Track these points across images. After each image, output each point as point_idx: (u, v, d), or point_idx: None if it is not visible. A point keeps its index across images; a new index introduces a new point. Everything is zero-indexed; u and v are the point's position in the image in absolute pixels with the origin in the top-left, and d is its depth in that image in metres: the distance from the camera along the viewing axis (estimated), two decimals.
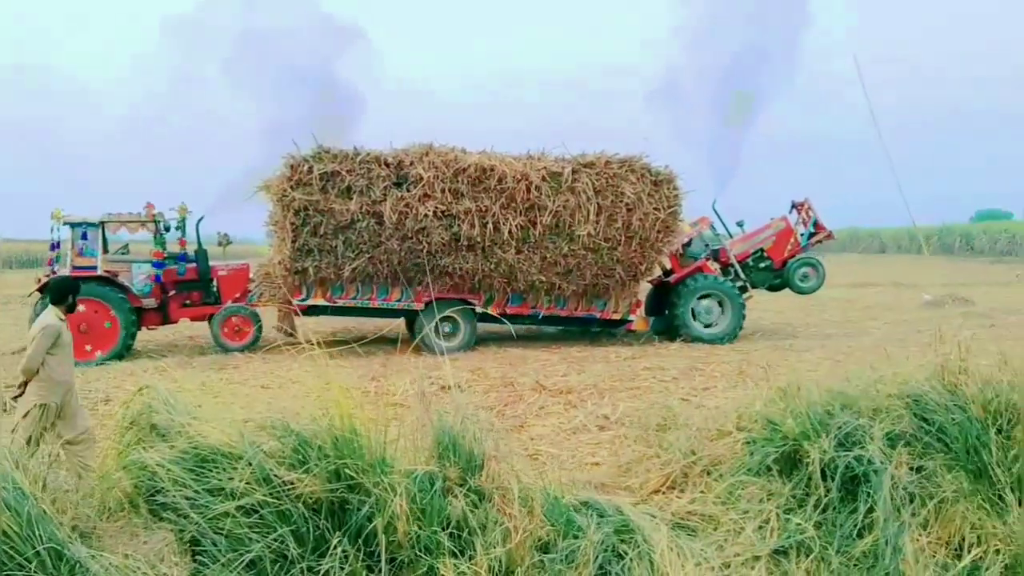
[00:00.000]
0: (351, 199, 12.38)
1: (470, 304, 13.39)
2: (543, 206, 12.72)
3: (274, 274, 13.15)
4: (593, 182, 12.94)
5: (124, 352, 13.40)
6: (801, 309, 15.79)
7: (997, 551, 3.51)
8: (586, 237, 12.95)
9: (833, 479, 3.48)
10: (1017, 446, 3.64)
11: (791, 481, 3.55)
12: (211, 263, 14.79)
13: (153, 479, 2.98)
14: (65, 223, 13.34)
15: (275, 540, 2.74)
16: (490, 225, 12.66)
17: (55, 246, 13.64)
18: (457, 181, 12.61)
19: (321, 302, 13.32)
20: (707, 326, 14.29)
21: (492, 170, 12.66)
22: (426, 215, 12.45)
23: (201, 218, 14.73)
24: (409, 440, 3.42)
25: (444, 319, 13.40)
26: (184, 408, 3.22)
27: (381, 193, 12.34)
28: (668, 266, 15.03)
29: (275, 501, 2.77)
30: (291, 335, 14.05)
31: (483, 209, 12.62)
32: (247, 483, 2.78)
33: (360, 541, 2.80)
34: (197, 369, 12.29)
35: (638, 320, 14.56)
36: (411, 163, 12.66)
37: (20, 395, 5.23)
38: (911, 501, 3.54)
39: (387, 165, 12.55)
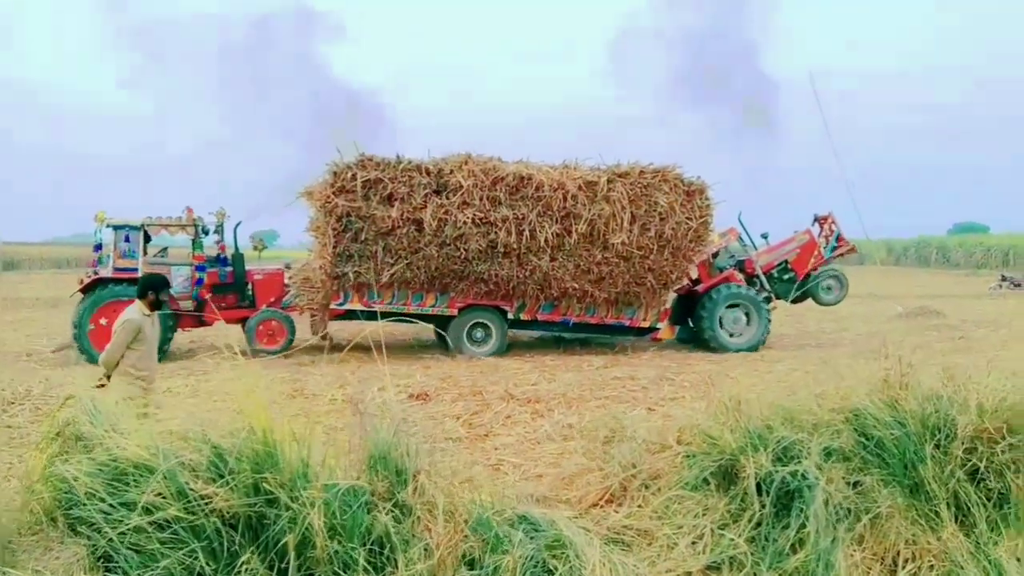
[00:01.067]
0: (392, 206, 12.54)
1: (503, 311, 13.62)
2: (578, 215, 12.89)
3: (314, 279, 13.23)
4: (628, 191, 13.10)
5: (161, 352, 14.15)
6: (778, 320, 15.90)
7: (931, 566, 3.51)
8: (620, 245, 13.11)
9: (768, 494, 3.47)
10: (953, 461, 3.65)
11: (727, 496, 3.53)
12: (247, 267, 14.90)
13: (71, 492, 2.92)
14: (108, 225, 13.50)
15: (187, 555, 2.69)
16: (526, 233, 12.82)
17: (98, 247, 13.88)
18: (495, 189, 12.77)
19: (358, 307, 13.33)
20: (732, 335, 14.49)
21: (530, 179, 12.85)
22: (465, 222, 12.61)
23: (239, 223, 14.85)
24: (342, 452, 3.38)
25: (476, 325, 13.72)
26: (107, 418, 3.16)
27: (422, 200, 12.52)
28: (696, 275, 15.17)
29: (188, 516, 2.71)
30: (324, 338, 14.47)
31: (520, 217, 12.79)
32: (161, 496, 2.72)
33: (275, 557, 2.75)
34: (163, 374, 12.22)
35: (665, 329, 14.77)
36: (451, 171, 12.83)
37: (102, 386, 5.21)
38: (846, 516, 3.53)
39: (428, 173, 12.71)
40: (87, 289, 13.15)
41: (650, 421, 4.59)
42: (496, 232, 12.77)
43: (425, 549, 2.85)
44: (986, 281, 28.69)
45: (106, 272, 13.37)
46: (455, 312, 13.58)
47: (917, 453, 3.71)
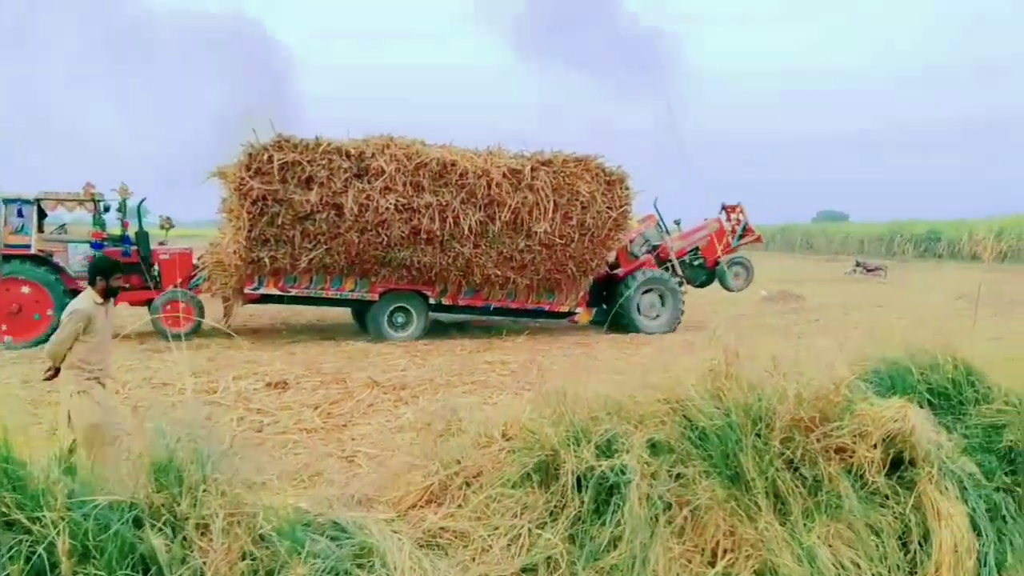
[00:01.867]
0: (311, 190, 12.11)
1: (424, 295, 13.50)
2: (502, 202, 12.82)
3: (227, 262, 12.65)
4: (551, 180, 13.12)
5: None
6: None
7: (748, 556, 3.52)
8: (542, 234, 13.14)
9: (588, 490, 3.38)
10: (771, 451, 3.67)
11: (548, 492, 3.41)
12: (152, 247, 14.19)
13: None
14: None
15: None
16: (450, 220, 12.64)
17: None
18: (418, 175, 12.50)
19: (274, 291, 13.04)
20: (649, 318, 14.90)
21: (454, 165, 12.65)
22: (387, 208, 12.29)
23: (143, 200, 14.13)
24: (121, 463, 3.04)
25: (397, 310, 13.55)
26: None
27: (342, 185, 12.12)
28: (614, 260, 15.49)
29: None
30: (226, 323, 14.10)
31: (443, 204, 12.59)
32: None
33: None
34: None
35: (582, 312, 15.03)
36: (372, 155, 12.43)
37: (51, 378, 5.12)
38: (667, 509, 3.49)
39: (348, 156, 12.29)
40: None
41: (486, 412, 4.43)
42: (419, 219, 12.54)
43: (200, 569, 2.56)
44: (843, 266, 30.51)
45: None
46: (375, 297, 13.37)
47: (739, 443, 3.71)
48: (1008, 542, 3.89)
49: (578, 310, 14.78)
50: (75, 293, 12.65)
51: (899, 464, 3.85)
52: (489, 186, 12.81)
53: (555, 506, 3.35)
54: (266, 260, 12.52)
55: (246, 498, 3.00)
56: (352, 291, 13.35)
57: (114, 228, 14.27)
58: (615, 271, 15.50)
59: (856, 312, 17.82)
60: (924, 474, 3.69)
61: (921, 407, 4.55)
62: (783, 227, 48.99)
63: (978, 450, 4.31)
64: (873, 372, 4.75)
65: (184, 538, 2.58)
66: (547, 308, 14.49)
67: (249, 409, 9.32)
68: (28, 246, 12.74)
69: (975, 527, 3.80)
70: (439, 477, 3.56)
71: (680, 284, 15.50)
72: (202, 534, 2.59)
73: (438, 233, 12.75)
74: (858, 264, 28.66)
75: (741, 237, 16.41)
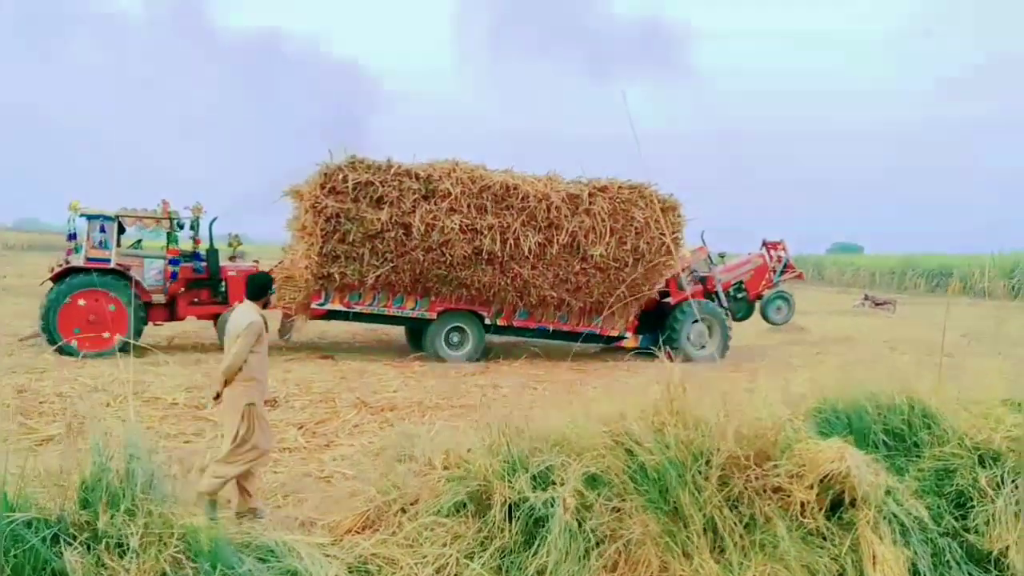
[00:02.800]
0: (382, 209, 12.55)
1: (480, 316, 13.76)
2: (560, 226, 13.25)
3: (297, 277, 13.06)
4: (607, 206, 13.54)
5: (131, 343, 13.84)
6: None
7: None
8: (598, 257, 13.50)
9: (518, 521, 3.40)
10: (710, 488, 3.68)
11: (480, 522, 3.44)
12: (221, 263, 14.73)
13: None
14: (82, 215, 13.23)
15: None
16: (510, 241, 13.04)
17: (72, 236, 13.58)
18: (482, 197, 12.97)
19: (339, 307, 13.36)
20: (698, 347, 15.06)
21: (516, 189, 13.10)
22: (452, 228, 12.72)
23: (215, 219, 14.64)
24: (53, 478, 3.09)
25: (453, 329, 13.83)
26: None
27: (411, 205, 12.58)
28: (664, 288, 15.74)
29: None
30: (283, 338, 14.73)
31: (505, 226, 13.02)
32: None
33: None
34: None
35: (631, 338, 15.12)
36: (439, 178, 12.90)
37: (218, 397, 5.06)
38: (601, 542, 3.50)
39: (417, 178, 12.76)
40: (58, 278, 12.87)
41: (440, 439, 4.45)
42: (481, 239, 12.93)
43: None
44: (853, 299, 30.28)
45: (78, 261, 13.07)
46: (434, 316, 13.70)
47: (678, 479, 3.72)
48: None
49: (627, 334, 15.01)
50: (148, 306, 13.77)
51: (840, 505, 3.84)
52: (549, 209, 13.26)
53: (485, 536, 3.37)
54: (336, 276, 12.88)
55: (178, 519, 3.05)
56: (412, 309, 13.71)
57: (185, 244, 14.76)
58: (665, 299, 15.74)
59: (861, 346, 17.64)
60: (862, 516, 3.68)
61: (877, 448, 4.55)
62: (795, 257, 48.62)
63: (929, 493, 4.29)
64: (832, 411, 4.76)
65: (98, 556, 2.63)
66: (598, 331, 14.68)
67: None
68: (109, 260, 13.25)
69: (916, 572, 3.78)
70: (376, 503, 3.59)
71: (727, 315, 15.80)
72: (119, 554, 2.64)
73: (499, 254, 13.11)
74: (866, 297, 28.41)
75: (782, 273, 16.95)
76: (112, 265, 13.40)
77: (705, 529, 3.68)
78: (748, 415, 3.90)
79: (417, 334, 14.70)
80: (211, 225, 14.77)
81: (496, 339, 15.42)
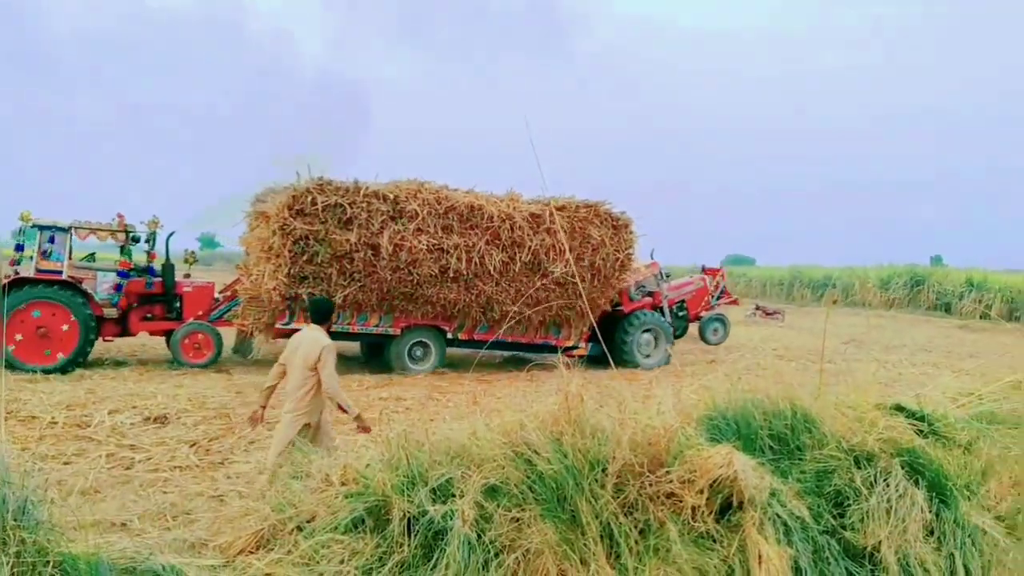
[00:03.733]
0: (351, 230, 12.86)
1: (442, 330, 14.22)
2: (523, 244, 13.85)
3: (264, 298, 13.08)
4: (566, 224, 14.27)
5: (80, 359, 13.08)
6: None
7: None
8: (558, 273, 14.14)
9: (418, 534, 3.39)
10: (607, 495, 3.77)
11: (379, 537, 3.41)
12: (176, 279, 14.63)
13: None
14: (33, 226, 13.07)
15: None
16: (475, 260, 13.57)
17: (20, 247, 13.36)
18: (448, 218, 13.45)
19: (303, 326, 13.25)
20: (644, 356, 16.25)
21: (480, 209, 13.62)
22: (419, 248, 13.16)
23: (172, 233, 14.58)
24: None
25: (416, 344, 14.24)
26: None
27: (379, 226, 12.94)
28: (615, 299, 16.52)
29: None
30: (245, 356, 14.87)
31: (470, 245, 13.52)
32: None
33: None
34: None
35: (583, 347, 15.81)
36: (406, 199, 13.28)
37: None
38: (500, 552, 3.53)
39: (385, 199, 13.13)
40: (5, 289, 12.57)
41: (341, 455, 4.39)
42: (448, 258, 13.37)
43: None
44: (745, 309, 31.67)
45: (27, 272, 12.88)
46: (398, 332, 13.98)
47: (576, 487, 3.79)
48: None
49: (581, 344, 15.55)
50: (100, 320, 13.44)
51: (729, 508, 4.00)
52: (512, 229, 13.78)
53: (384, 552, 3.34)
54: (304, 296, 12.90)
55: (54, 546, 2.88)
56: (376, 326, 13.88)
57: (138, 258, 14.72)
58: (617, 307, 16.55)
59: (749, 354, 18.46)
60: (749, 518, 3.85)
61: (763, 452, 4.78)
62: (689, 269, 50.51)
63: (810, 493, 4.53)
64: (722, 417, 4.95)
65: None
66: (554, 343, 15.13)
67: (121, 445, 8.97)
68: (60, 272, 13.01)
69: (798, 569, 3.98)
70: (271, 522, 3.50)
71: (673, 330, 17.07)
72: None
73: (464, 272, 13.52)
74: (757, 308, 29.73)
75: (719, 297, 18.32)
76: (64, 277, 13.07)
77: (602, 536, 3.77)
78: (642, 423, 4.02)
79: (376, 349, 14.93)
80: (167, 240, 14.56)
81: (457, 352, 15.54)
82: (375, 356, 15.07)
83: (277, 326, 13.41)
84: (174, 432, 9.68)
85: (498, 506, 3.65)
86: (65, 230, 13.33)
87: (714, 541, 3.87)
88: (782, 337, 20.59)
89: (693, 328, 18.82)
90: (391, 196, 13.19)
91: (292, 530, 3.47)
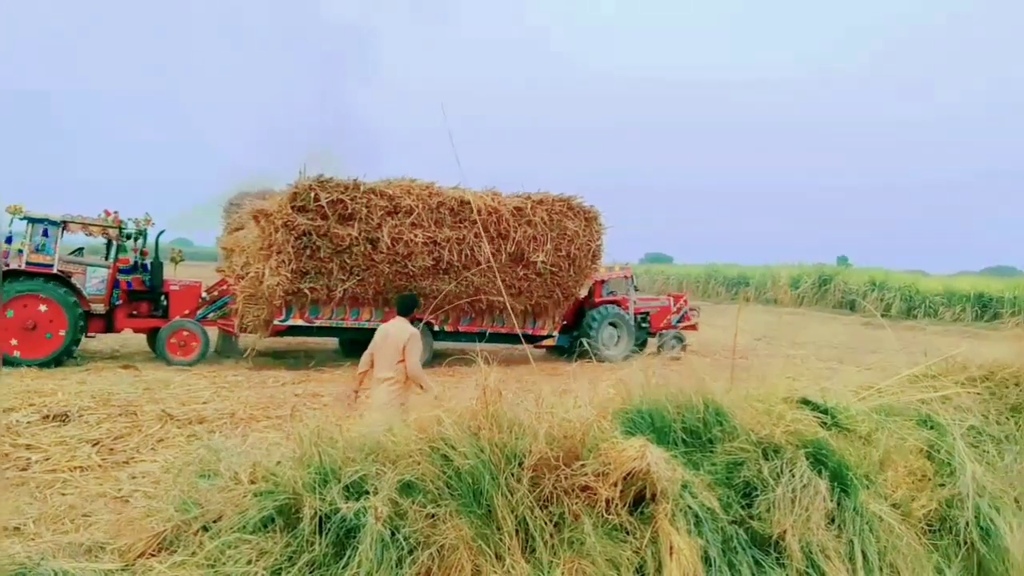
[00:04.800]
0: (351, 225, 13.43)
1: (430, 324, 14.74)
2: (508, 236, 14.69)
3: (267, 295, 13.40)
4: (545, 217, 15.20)
5: (67, 354, 13.29)
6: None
7: None
8: (539, 263, 15.11)
9: (329, 533, 3.31)
10: (522, 489, 3.77)
11: (289, 536, 3.31)
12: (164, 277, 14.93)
13: None
14: (23, 218, 13.13)
15: None
16: (466, 251, 14.33)
17: (9, 240, 13.57)
18: (440, 212, 14.21)
19: (300, 322, 13.97)
20: (607, 348, 17.13)
21: (469, 203, 14.35)
22: (415, 242, 13.84)
23: (162, 231, 14.81)
24: None
25: None
26: None
27: (378, 221, 13.58)
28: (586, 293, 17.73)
29: None
30: (229, 355, 15.14)
31: (461, 238, 14.32)
32: None
33: None
34: None
35: (554, 336, 16.86)
36: (401, 195, 13.96)
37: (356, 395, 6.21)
38: (414, 550, 3.48)
39: (383, 195, 13.81)
40: None
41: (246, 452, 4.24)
42: (440, 251, 14.10)
43: None
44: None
45: (17, 265, 12.93)
46: None
47: (492, 481, 3.78)
48: (737, 571, 4.20)
49: (554, 334, 16.49)
50: (88, 315, 13.47)
51: (642, 500, 4.07)
52: (499, 222, 14.59)
53: (294, 551, 3.25)
54: (306, 291, 13.47)
55: None
56: (368, 320, 14.28)
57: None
58: (587, 300, 17.78)
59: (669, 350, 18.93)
60: (661, 510, 3.92)
61: (676, 445, 4.88)
62: (609, 266, 51.39)
63: (721, 485, 4.65)
64: (636, 411, 5.04)
65: None
66: (531, 332, 15.93)
67: (16, 445, 8.52)
68: (51, 265, 13.14)
69: (708, 559, 4.08)
70: (174, 523, 3.36)
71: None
72: None
73: (455, 264, 14.26)
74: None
75: (680, 320, 19.61)
76: (55, 271, 13.18)
77: (517, 530, 3.77)
78: (559, 417, 4.04)
79: (356, 344, 15.21)
80: (158, 237, 14.83)
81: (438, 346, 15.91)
82: (355, 351, 15.37)
83: (275, 323, 13.78)
84: (74, 431, 9.27)
85: (413, 502, 3.60)
86: (58, 224, 13.38)
87: (627, 533, 3.92)
88: (697, 333, 21.16)
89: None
90: (388, 192, 13.81)
91: (197, 531, 3.34)
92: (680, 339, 19.40)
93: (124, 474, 7.77)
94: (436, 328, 15.02)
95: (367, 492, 3.51)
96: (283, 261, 13.20)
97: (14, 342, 12.82)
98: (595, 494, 3.79)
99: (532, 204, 15.25)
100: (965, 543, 5.66)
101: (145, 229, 14.74)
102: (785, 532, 4.52)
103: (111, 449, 8.65)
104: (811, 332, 25.97)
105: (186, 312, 14.74)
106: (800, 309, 35.08)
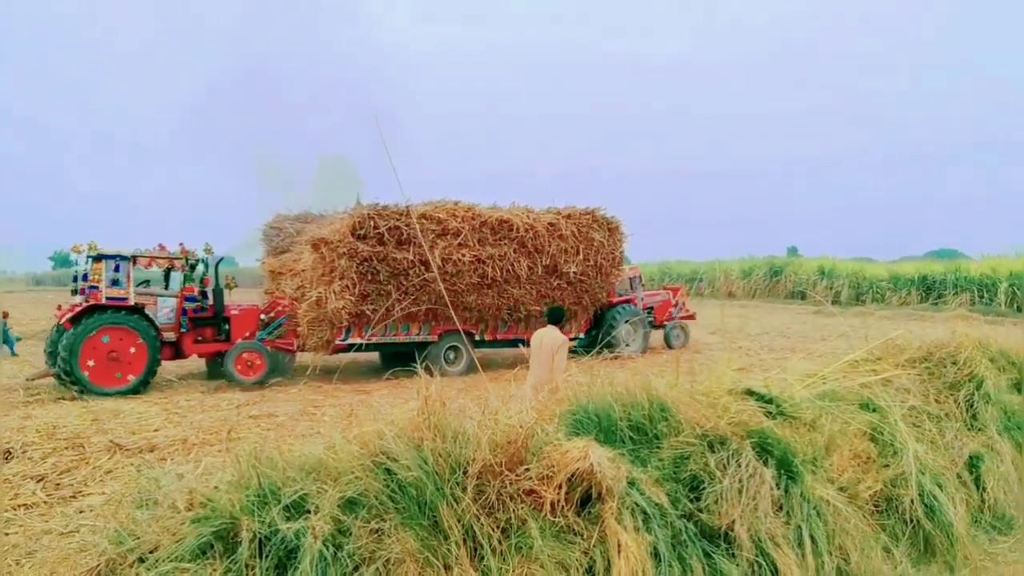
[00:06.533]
0: (407, 250, 14.22)
1: (471, 334, 15.56)
2: (543, 250, 15.62)
3: (333, 318, 14.06)
4: (574, 230, 16.08)
5: (147, 381, 13.75)
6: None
7: None
8: (571, 273, 16.03)
9: (270, 555, 3.26)
10: (467, 498, 3.76)
11: (228, 561, 3.25)
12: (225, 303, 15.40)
13: None
14: (98, 255, 13.73)
15: None
16: (507, 267, 15.23)
17: (84, 277, 14.01)
18: (482, 231, 15.04)
19: (358, 340, 14.66)
20: (626, 344, 17.94)
21: (508, 222, 15.28)
22: (463, 261, 14.68)
23: (221, 258, 15.51)
24: None
25: (450, 348, 15.46)
26: None
27: (430, 243, 14.43)
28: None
29: None
30: (285, 373, 15.57)
31: (502, 254, 15.19)
32: None
33: None
34: None
35: (581, 336, 17.38)
36: (448, 218, 14.70)
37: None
38: (359, 567, 3.44)
39: (432, 220, 14.60)
40: (77, 317, 13.31)
41: (186, 478, 4.15)
42: (484, 267, 14.90)
43: None
44: None
45: (98, 300, 13.48)
46: (436, 338, 15.23)
47: (438, 492, 3.76)
48: (687, 564, 4.24)
49: (580, 335, 17.08)
50: (163, 344, 14.10)
51: (590, 500, 4.08)
52: (535, 237, 15.50)
53: (234, 575, 3.19)
54: (368, 313, 14.21)
55: None
56: (418, 335, 15.15)
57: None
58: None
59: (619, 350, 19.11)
60: (607, 509, 3.94)
61: (624, 443, 4.91)
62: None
63: (668, 480, 4.69)
64: (583, 411, 5.06)
65: None
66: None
67: None
68: (126, 299, 13.73)
69: (658, 555, 4.11)
70: (108, 556, 3.27)
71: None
72: None
73: (498, 279, 15.11)
74: None
75: (679, 313, 20.53)
76: (131, 302, 13.80)
77: (465, 539, 3.75)
78: (502, 423, 4.04)
79: (397, 357, 15.91)
80: (217, 265, 15.40)
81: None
82: (395, 362, 15.79)
83: (336, 342, 14.47)
84: (18, 467, 8.97)
85: (357, 518, 3.56)
86: (128, 258, 14.00)
87: (576, 534, 3.93)
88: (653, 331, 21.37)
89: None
90: (437, 216, 14.64)
91: (133, 563, 3.25)
92: (683, 329, 20.17)
93: (71, 509, 7.55)
94: (477, 337, 15.80)
95: (308, 511, 3.46)
96: (347, 286, 14.02)
97: (91, 363, 13.33)
98: (540, 498, 3.80)
99: (562, 218, 16.14)
100: (911, 521, 5.82)
101: (207, 259, 15.27)
102: (734, 523, 4.57)
103: (57, 484, 8.39)
104: (764, 323, 26.41)
105: (247, 334, 15.25)
106: (753, 301, 35.69)
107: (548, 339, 7.43)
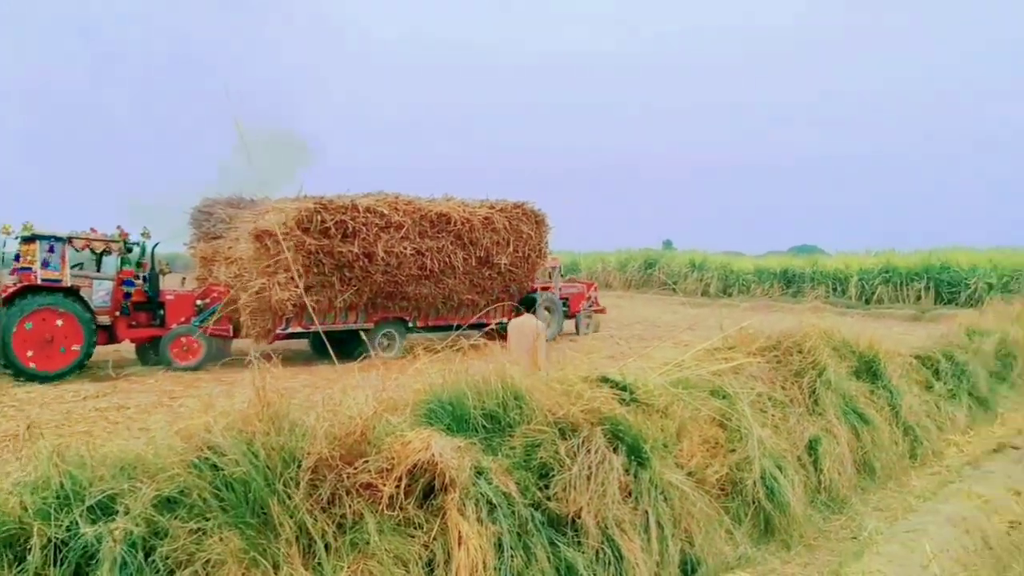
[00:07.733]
0: (352, 243, 14.61)
1: (404, 321, 16.26)
2: (477, 242, 16.42)
3: (277, 308, 14.32)
4: (506, 223, 16.93)
5: (81, 367, 13.59)
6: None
7: None
8: (502, 264, 16.84)
9: (68, 562, 2.96)
10: (300, 493, 3.56)
11: (16, 571, 2.93)
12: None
13: None
14: (32, 235, 13.39)
15: None
16: (445, 258, 15.93)
17: (17, 258, 13.81)
18: (423, 224, 15.70)
19: (298, 329, 14.94)
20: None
21: (447, 215, 15.97)
22: (405, 253, 15.28)
23: (157, 243, 15.50)
24: None
25: (383, 335, 15.99)
26: None
27: (374, 236, 14.85)
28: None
29: None
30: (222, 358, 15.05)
31: (440, 247, 15.87)
32: None
33: None
34: None
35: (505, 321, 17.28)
36: (392, 211, 15.28)
37: None
38: (174, 571, 3.19)
39: (376, 214, 15.07)
40: (10, 298, 12.97)
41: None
42: (424, 259, 15.58)
43: None
44: None
45: (31, 281, 13.20)
46: (371, 325, 15.67)
47: (268, 487, 3.55)
48: (532, 554, 4.21)
49: (504, 320, 16.96)
50: (99, 328, 13.90)
51: (433, 492, 3.97)
52: (471, 230, 16.25)
53: None
54: (311, 304, 14.47)
55: None
56: (355, 323, 15.43)
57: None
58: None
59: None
60: (450, 500, 3.84)
61: (477, 431, 4.83)
62: None
63: (519, 468, 4.65)
64: (437, 401, 4.94)
65: None
66: (486, 322, 16.73)
67: None
68: (60, 280, 13.42)
69: (501, 545, 4.04)
70: None
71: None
72: None
73: (436, 270, 15.75)
74: None
75: (591, 306, 21.59)
76: (66, 284, 13.45)
77: (298, 537, 3.55)
78: (342, 413, 3.86)
79: (332, 342, 15.65)
80: (153, 249, 15.34)
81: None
82: (325, 349, 16.24)
83: (277, 331, 14.68)
84: None
85: (175, 518, 3.30)
86: (63, 239, 13.66)
87: (417, 527, 3.81)
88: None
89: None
90: (381, 210, 15.11)
91: None
92: (592, 319, 21.22)
93: None
94: (410, 324, 16.34)
95: (117, 512, 3.17)
96: (291, 278, 14.24)
97: (30, 354, 12.98)
98: (378, 491, 3.65)
99: (496, 212, 16.83)
100: (753, 502, 6.06)
101: (144, 243, 15.11)
102: (581, 510, 4.58)
103: None
104: (638, 313, 27.21)
105: (182, 320, 15.15)
106: (628, 292, 36.75)
107: (528, 326, 7.95)
